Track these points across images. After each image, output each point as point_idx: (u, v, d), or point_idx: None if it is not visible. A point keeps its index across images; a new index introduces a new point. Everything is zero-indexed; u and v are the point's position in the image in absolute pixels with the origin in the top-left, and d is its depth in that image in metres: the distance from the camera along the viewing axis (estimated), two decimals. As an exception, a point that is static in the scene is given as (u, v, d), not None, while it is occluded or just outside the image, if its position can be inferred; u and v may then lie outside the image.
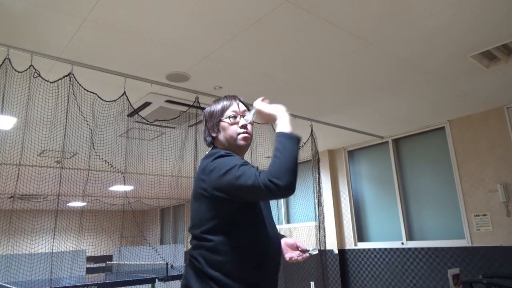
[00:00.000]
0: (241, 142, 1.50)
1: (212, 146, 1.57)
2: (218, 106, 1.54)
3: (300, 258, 1.47)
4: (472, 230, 4.77)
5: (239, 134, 1.50)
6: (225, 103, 1.54)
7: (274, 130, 1.39)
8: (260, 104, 1.46)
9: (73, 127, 3.96)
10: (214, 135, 1.54)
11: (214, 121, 1.53)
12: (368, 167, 6.23)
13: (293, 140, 1.30)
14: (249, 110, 1.57)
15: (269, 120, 1.43)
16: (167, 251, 7.45)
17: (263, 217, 1.45)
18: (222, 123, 1.51)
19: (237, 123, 1.51)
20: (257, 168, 1.30)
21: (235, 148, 1.51)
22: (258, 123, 1.39)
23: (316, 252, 1.54)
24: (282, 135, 1.32)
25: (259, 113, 1.46)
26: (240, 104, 1.55)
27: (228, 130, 1.50)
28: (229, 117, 1.51)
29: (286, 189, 1.21)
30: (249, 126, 1.53)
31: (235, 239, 1.35)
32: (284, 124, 1.36)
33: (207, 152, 1.55)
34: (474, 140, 4.91)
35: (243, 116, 1.53)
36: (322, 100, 4.22)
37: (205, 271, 1.34)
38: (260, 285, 1.38)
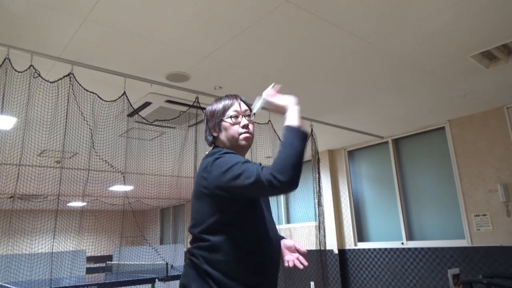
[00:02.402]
0: (243, 142, 1.49)
1: (213, 145, 1.57)
2: (219, 106, 1.53)
3: (297, 262, 1.46)
4: (472, 230, 4.77)
5: (240, 134, 1.49)
6: (227, 102, 1.53)
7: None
8: (270, 95, 1.43)
9: (73, 127, 3.96)
10: (215, 134, 1.53)
11: (215, 120, 1.52)
12: (368, 167, 6.23)
13: (299, 135, 1.28)
14: (250, 110, 1.55)
15: (278, 111, 1.41)
16: (167, 251, 7.45)
17: (264, 218, 1.45)
18: (223, 123, 1.50)
19: (238, 123, 1.50)
20: (260, 164, 1.29)
21: (237, 148, 1.50)
22: (266, 108, 1.35)
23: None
24: (289, 129, 1.30)
25: (268, 104, 1.43)
26: (242, 103, 1.54)
27: (229, 130, 1.49)
28: (230, 116, 1.50)
29: (289, 185, 1.20)
30: (250, 126, 1.52)
31: (236, 239, 1.35)
32: (292, 117, 1.33)
33: (208, 152, 1.54)
34: (474, 140, 4.91)
35: (244, 115, 1.52)
36: (322, 100, 4.22)
37: (205, 269, 1.34)
38: (260, 285, 1.38)
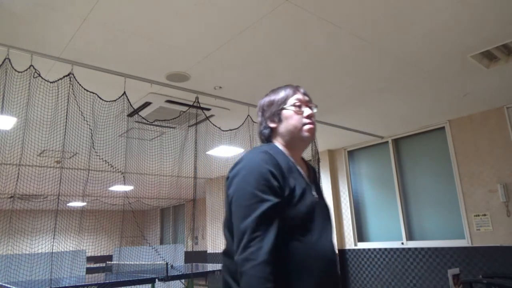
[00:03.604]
0: (306, 134, 1.33)
1: (267, 141, 1.38)
2: (279, 94, 1.39)
3: None
4: (472, 230, 4.77)
5: (304, 124, 1.34)
6: (288, 91, 1.39)
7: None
8: None
9: (73, 127, 3.96)
10: (273, 125, 1.36)
11: (274, 109, 1.37)
12: (368, 167, 6.23)
13: None
14: (311, 101, 1.43)
15: None
16: (167, 251, 7.44)
17: (314, 226, 1.22)
18: (285, 112, 1.35)
19: (301, 112, 1.35)
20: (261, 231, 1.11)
21: (298, 140, 1.34)
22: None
23: None
24: None
25: None
26: (304, 94, 1.41)
27: (291, 120, 1.33)
28: (293, 105, 1.35)
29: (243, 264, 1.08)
30: (313, 118, 1.38)
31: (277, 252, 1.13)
32: None
33: (258, 145, 1.37)
34: (474, 140, 4.91)
35: (307, 106, 1.38)
36: (322, 100, 4.22)
37: (225, 280, 1.21)
38: None
